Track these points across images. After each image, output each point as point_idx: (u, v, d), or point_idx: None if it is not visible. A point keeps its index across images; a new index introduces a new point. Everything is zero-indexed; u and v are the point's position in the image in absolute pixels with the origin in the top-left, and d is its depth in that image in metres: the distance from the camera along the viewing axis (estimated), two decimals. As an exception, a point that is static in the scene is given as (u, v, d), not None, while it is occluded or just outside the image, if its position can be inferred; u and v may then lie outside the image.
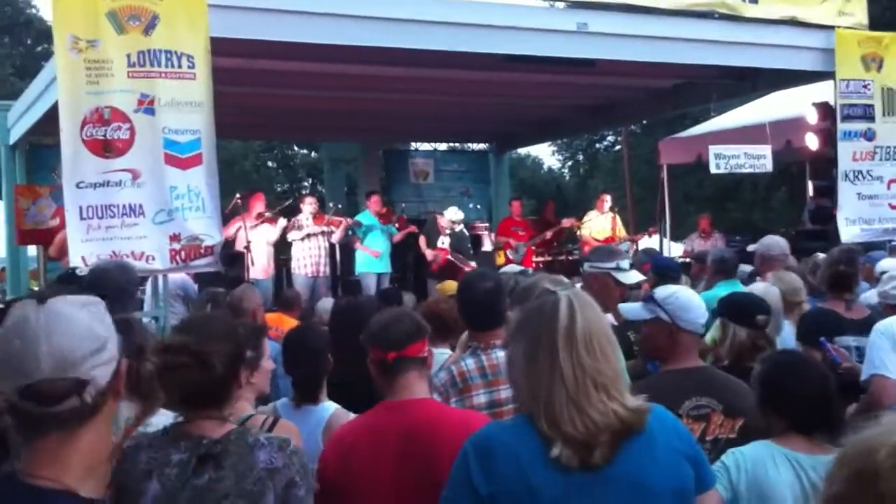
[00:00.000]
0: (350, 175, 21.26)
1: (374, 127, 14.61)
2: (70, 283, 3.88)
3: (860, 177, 9.97)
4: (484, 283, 3.75)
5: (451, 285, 5.84)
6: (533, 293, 2.51)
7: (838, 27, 9.69)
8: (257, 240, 10.43)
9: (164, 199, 6.58)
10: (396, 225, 12.28)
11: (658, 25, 8.86)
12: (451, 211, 12.09)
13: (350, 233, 11.48)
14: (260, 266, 10.40)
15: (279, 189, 32.29)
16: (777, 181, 21.50)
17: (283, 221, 11.03)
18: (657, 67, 9.45)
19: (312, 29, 7.43)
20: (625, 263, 4.89)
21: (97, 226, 6.37)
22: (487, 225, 14.66)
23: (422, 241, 11.97)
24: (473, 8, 8.15)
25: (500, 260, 12.93)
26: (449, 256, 11.72)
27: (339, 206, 12.98)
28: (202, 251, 6.74)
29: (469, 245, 12.47)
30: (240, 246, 10.15)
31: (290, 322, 6.42)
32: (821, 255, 7.51)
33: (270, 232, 10.85)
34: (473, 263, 11.46)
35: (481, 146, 17.99)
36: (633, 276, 4.88)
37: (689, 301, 3.47)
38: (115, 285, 3.64)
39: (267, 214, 10.84)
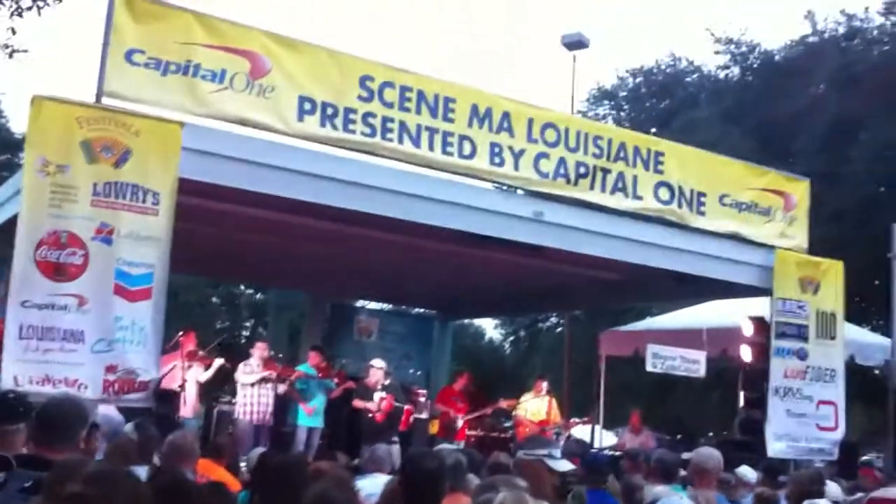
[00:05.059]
0: (294, 323, 21.20)
1: (324, 280, 14.72)
2: (12, 405, 3.85)
3: (790, 394, 10.24)
4: (427, 463, 3.81)
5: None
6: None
7: (779, 248, 10.18)
8: (189, 378, 10.32)
9: (107, 329, 6.56)
10: (335, 380, 12.20)
11: (609, 224, 9.27)
12: (376, 361, 12.10)
13: (294, 385, 11.43)
14: (190, 405, 10.24)
15: (219, 325, 31.93)
16: (712, 384, 21.86)
17: (218, 362, 10.93)
18: (605, 262, 9.80)
19: (279, 182, 7.63)
20: (557, 452, 5.06)
21: (35, 347, 6.30)
22: (425, 392, 14.62)
23: (356, 402, 11.87)
24: (437, 184, 8.47)
25: (434, 429, 12.85)
26: (395, 402, 11.63)
27: (280, 355, 12.91)
28: (136, 385, 6.67)
29: (403, 399, 12.38)
30: (173, 383, 10.01)
31: (217, 471, 6.28)
32: (745, 468, 7.64)
33: (200, 371, 10.74)
34: (424, 414, 11.37)
35: (427, 311, 18.14)
36: (564, 465, 5.01)
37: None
38: (64, 423, 3.63)
39: (201, 353, 10.76)
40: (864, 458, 13.08)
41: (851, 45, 21.99)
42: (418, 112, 8.24)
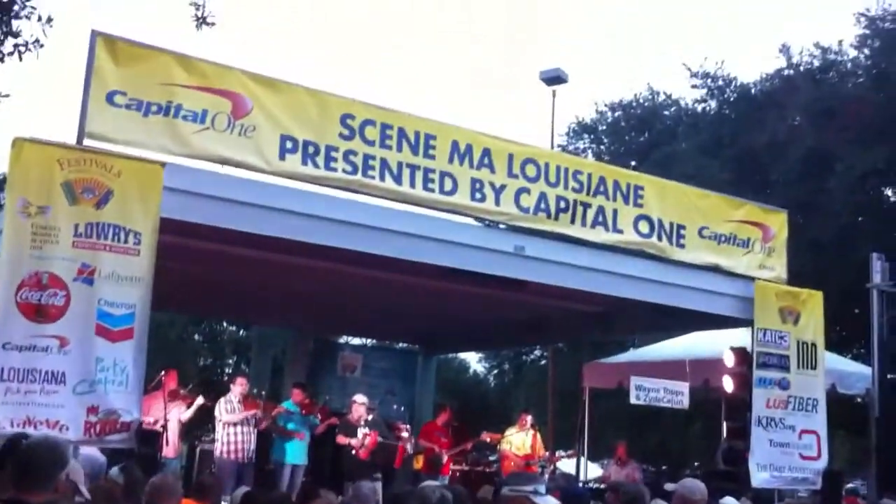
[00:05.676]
0: (277, 359, 21.09)
1: (307, 316, 14.71)
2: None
3: (773, 424, 10.28)
4: (411, 502, 3.82)
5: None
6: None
7: (759, 279, 10.28)
8: (171, 417, 10.27)
9: (88, 370, 6.54)
10: (318, 416, 12.16)
11: (590, 257, 9.35)
12: (358, 397, 12.07)
13: (278, 423, 11.38)
14: (172, 445, 10.19)
15: (202, 363, 31.73)
16: (695, 414, 21.91)
17: (199, 400, 10.88)
18: (586, 295, 9.86)
19: (261, 220, 7.66)
20: (542, 488, 5.06)
21: (16, 389, 6.27)
22: (409, 427, 14.57)
23: (339, 438, 11.81)
24: (419, 220, 8.53)
25: (419, 465, 12.81)
26: (379, 438, 11.59)
27: (263, 392, 12.85)
28: (118, 426, 6.64)
29: (388, 433, 12.34)
30: (155, 423, 9.96)
31: (202, 512, 6.24)
32: (729, 499, 7.66)
33: (182, 410, 10.69)
34: (409, 447, 11.32)
35: (410, 346, 18.13)
36: (550, 501, 5.01)
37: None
38: (42, 466, 3.64)
39: (182, 392, 10.72)
40: (849, 486, 13.11)
41: (826, 77, 22.32)
42: (399, 149, 8.31)
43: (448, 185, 8.56)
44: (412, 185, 8.36)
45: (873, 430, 11.44)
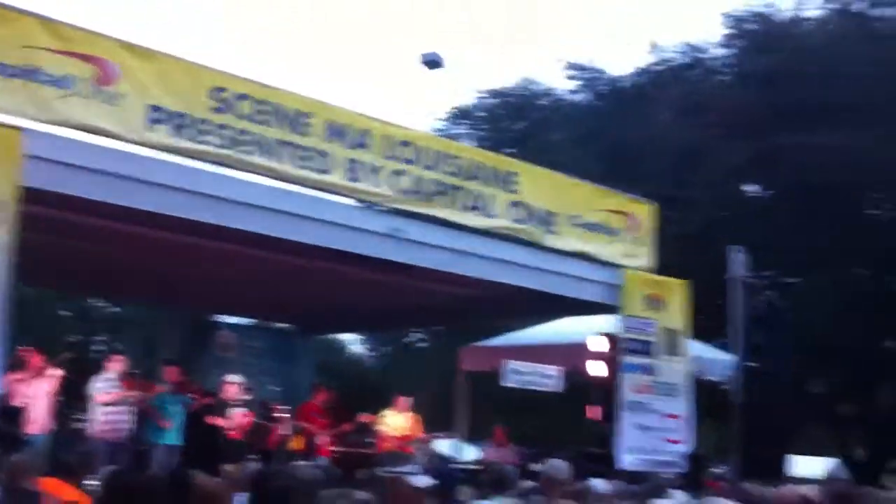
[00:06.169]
0: (151, 338, 20.61)
1: (181, 294, 14.40)
2: None
3: (639, 408, 10.64)
4: (281, 480, 3.81)
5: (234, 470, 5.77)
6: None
7: (626, 267, 10.60)
8: (36, 394, 9.90)
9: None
10: (193, 396, 11.92)
11: (466, 241, 9.45)
12: (232, 377, 11.92)
13: (151, 402, 11.10)
14: (38, 422, 9.84)
15: (71, 339, 30.61)
16: (568, 399, 22.41)
17: (56, 372, 10.51)
18: (463, 279, 9.96)
19: (131, 194, 7.46)
20: (417, 468, 5.14)
21: None
22: (287, 408, 14.45)
23: (211, 418, 11.61)
24: (294, 198, 8.46)
25: (296, 446, 12.71)
26: (255, 419, 11.45)
27: (137, 371, 12.52)
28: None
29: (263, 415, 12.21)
30: (18, 400, 9.60)
31: (67, 489, 6.01)
32: (597, 481, 7.89)
33: (49, 385, 10.32)
34: (288, 429, 11.22)
35: (288, 326, 17.96)
36: (424, 481, 5.07)
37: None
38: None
39: (47, 368, 10.35)
40: (717, 471, 13.65)
41: (693, 74, 23.09)
42: (274, 125, 8.21)
43: (323, 164, 8.51)
44: (286, 162, 8.27)
45: (736, 415, 11.98)
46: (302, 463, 8.97)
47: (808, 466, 22.17)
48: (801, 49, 21.04)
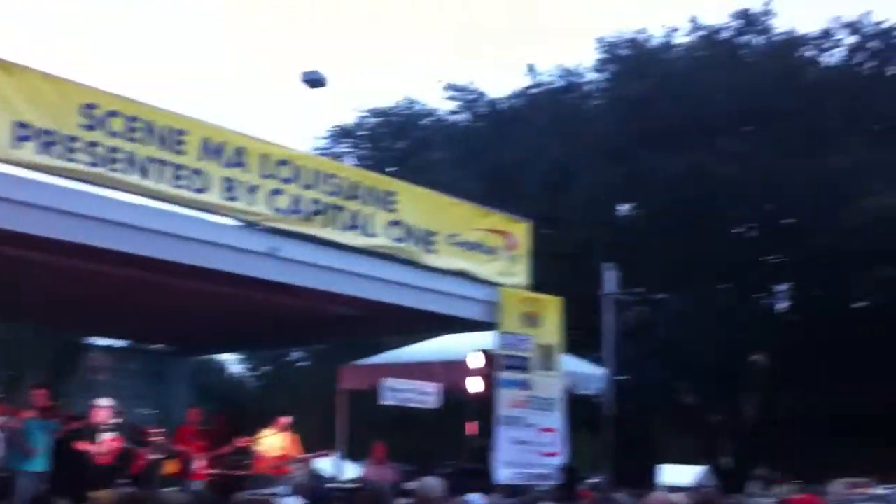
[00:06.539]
0: (15, 360, 19.76)
1: (51, 314, 13.89)
2: None
3: (515, 423, 10.84)
4: None
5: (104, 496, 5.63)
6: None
7: (503, 285, 10.81)
8: None
9: None
10: (61, 421, 11.50)
11: (345, 260, 9.47)
12: (101, 400, 11.60)
13: (16, 427, 10.64)
14: None
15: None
16: (448, 415, 22.57)
17: None
18: (342, 297, 9.97)
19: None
20: (285, 489, 5.10)
21: None
22: (162, 431, 14.09)
23: (80, 444, 11.24)
24: (170, 217, 8.31)
25: (171, 469, 12.40)
26: (125, 444, 11.10)
27: (2, 395, 12.00)
28: None
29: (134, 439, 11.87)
30: None
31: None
32: (474, 496, 8.03)
33: None
34: (160, 453, 10.93)
35: (164, 347, 17.53)
36: (292, 502, 5.06)
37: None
38: None
39: None
40: (592, 481, 13.98)
41: (569, 97, 23.81)
42: (147, 143, 8.06)
43: (199, 182, 8.40)
44: (160, 180, 8.13)
45: (607, 428, 12.34)
46: (170, 489, 8.82)
47: (677, 475, 22.97)
48: (670, 74, 21.97)
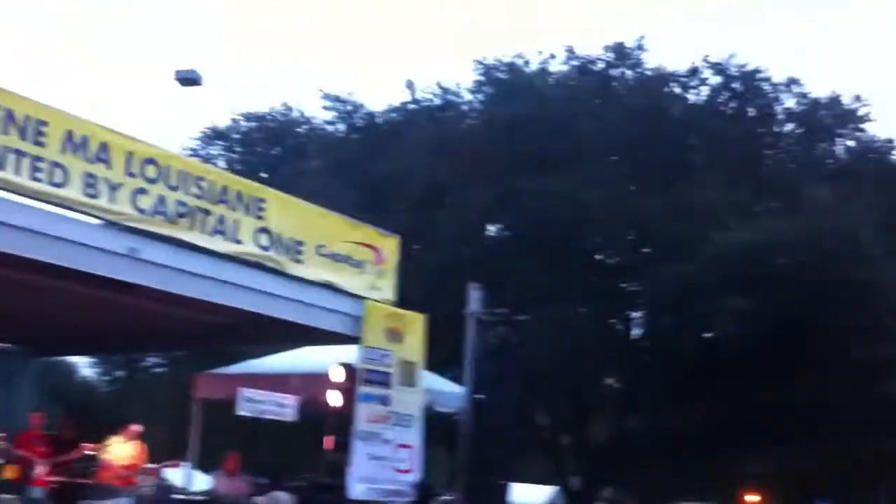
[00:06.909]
0: None
1: None
2: None
3: (373, 438, 10.83)
4: None
5: None
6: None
7: (368, 299, 10.80)
8: None
9: None
10: None
11: (209, 266, 9.26)
12: None
13: None
14: None
15: None
16: (305, 428, 22.33)
17: None
18: (203, 303, 9.75)
19: None
20: (127, 500, 4.95)
21: None
22: (4, 435, 13.40)
23: None
24: (22, 211, 7.94)
25: (11, 474, 11.80)
26: None
27: None
28: None
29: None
30: None
31: None
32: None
33: None
34: None
35: (9, 347, 16.70)
36: None
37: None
38: None
39: None
40: (442, 498, 14.06)
41: (444, 116, 24.10)
42: (5, 132, 7.69)
43: (58, 176, 8.07)
44: (18, 172, 7.77)
45: (462, 446, 12.45)
46: (6, 496, 8.42)
47: (529, 494, 23.42)
48: (544, 100, 22.51)
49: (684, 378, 23.16)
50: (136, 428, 12.99)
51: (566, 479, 26.91)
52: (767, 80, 24.29)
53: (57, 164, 8.08)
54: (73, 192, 8.22)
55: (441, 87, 24.61)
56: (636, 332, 24.94)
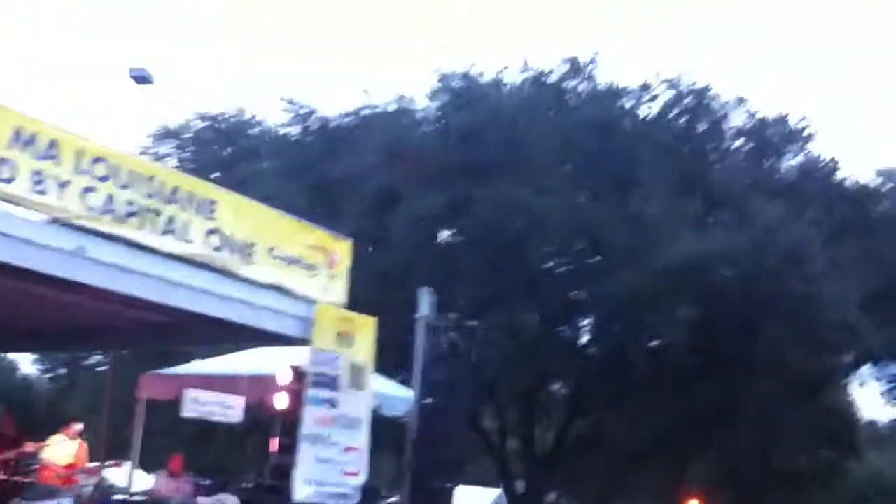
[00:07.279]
0: None
1: None
2: None
3: (320, 440, 10.81)
4: None
5: None
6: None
7: (320, 301, 10.79)
8: None
9: None
10: None
11: (157, 265, 9.19)
12: None
13: None
14: None
15: None
16: (254, 430, 22.21)
17: None
18: (150, 303, 9.67)
19: None
20: (67, 501, 4.92)
21: None
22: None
23: None
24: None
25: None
26: None
27: None
28: None
29: None
30: None
31: None
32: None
33: None
34: None
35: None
36: None
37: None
38: None
39: None
40: (387, 500, 14.09)
41: (399, 122, 24.13)
42: (-51, 127, 7.59)
43: (5, 172, 7.97)
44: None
45: (409, 450, 12.49)
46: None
47: (474, 497, 23.53)
48: (498, 110, 22.68)
49: (630, 385, 23.48)
50: (77, 426, 12.83)
51: (511, 481, 27.11)
52: (716, 97, 24.76)
53: (4, 160, 7.99)
54: (21, 188, 8.12)
55: (398, 94, 24.64)
56: (584, 339, 25.21)
